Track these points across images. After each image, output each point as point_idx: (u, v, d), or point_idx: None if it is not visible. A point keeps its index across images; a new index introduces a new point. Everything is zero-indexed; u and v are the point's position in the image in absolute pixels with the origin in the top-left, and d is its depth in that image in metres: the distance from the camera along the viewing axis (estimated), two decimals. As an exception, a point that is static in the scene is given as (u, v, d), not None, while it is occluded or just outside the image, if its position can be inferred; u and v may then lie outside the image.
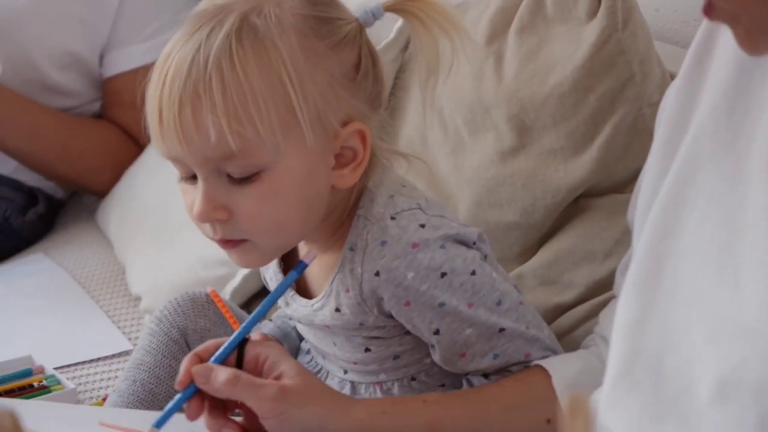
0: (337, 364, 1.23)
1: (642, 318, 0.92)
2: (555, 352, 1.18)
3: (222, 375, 1.07)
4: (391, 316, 1.15)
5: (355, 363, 1.21)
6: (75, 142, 2.04)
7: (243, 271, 1.60)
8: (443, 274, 1.12)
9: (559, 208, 1.37)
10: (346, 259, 1.14)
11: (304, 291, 1.21)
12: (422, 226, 1.13)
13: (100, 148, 2.06)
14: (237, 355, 1.10)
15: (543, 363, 1.16)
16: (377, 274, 1.12)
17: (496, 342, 1.15)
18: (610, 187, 1.38)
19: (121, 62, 2.04)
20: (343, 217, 1.16)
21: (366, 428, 1.10)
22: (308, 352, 1.28)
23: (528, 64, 1.37)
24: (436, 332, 1.14)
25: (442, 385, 1.20)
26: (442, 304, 1.13)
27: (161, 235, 1.77)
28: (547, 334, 1.18)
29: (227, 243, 1.12)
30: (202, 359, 1.10)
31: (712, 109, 0.91)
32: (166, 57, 1.09)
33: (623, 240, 1.30)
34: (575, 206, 1.38)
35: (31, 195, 2.07)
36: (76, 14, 2.01)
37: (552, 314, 1.35)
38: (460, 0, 1.51)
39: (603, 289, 1.33)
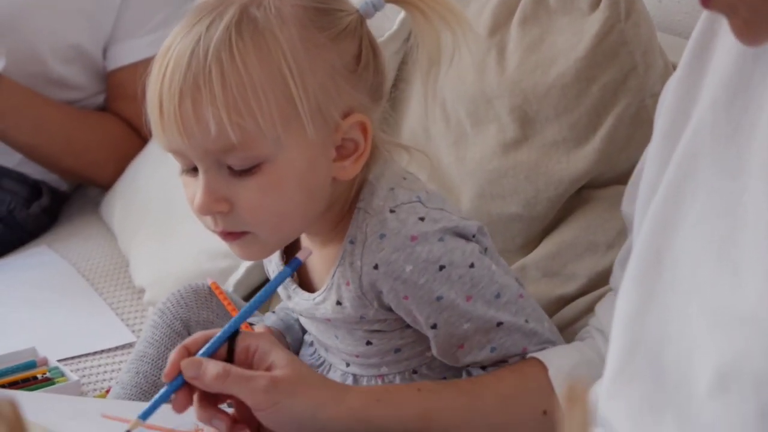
0: (339, 356, 1.23)
1: (642, 310, 0.92)
2: (555, 345, 1.18)
3: (212, 369, 1.06)
4: (391, 310, 1.15)
5: (357, 356, 1.21)
6: (79, 135, 2.04)
7: (246, 264, 1.60)
8: (441, 267, 1.12)
9: (562, 200, 1.37)
10: (346, 252, 1.14)
11: (306, 284, 1.21)
12: (421, 219, 1.13)
13: (104, 140, 2.06)
14: (228, 348, 1.09)
15: (539, 355, 1.16)
16: (376, 267, 1.12)
17: (493, 335, 1.15)
18: (613, 179, 1.37)
19: (124, 55, 2.05)
20: (344, 210, 1.16)
21: (359, 416, 1.10)
22: (311, 344, 1.28)
23: (530, 55, 1.37)
24: (434, 326, 1.14)
25: (444, 378, 1.20)
26: (440, 298, 1.13)
27: (165, 228, 1.77)
28: (547, 327, 1.18)
29: (228, 235, 1.12)
30: (190, 352, 1.09)
31: (712, 101, 0.91)
32: (166, 49, 1.09)
33: (626, 231, 1.30)
34: (578, 198, 1.38)
35: (35, 188, 2.07)
36: (80, 7, 2.01)
37: (555, 306, 1.35)
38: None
39: (605, 280, 1.32)
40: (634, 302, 0.93)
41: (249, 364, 1.09)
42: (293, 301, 1.21)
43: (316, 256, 1.19)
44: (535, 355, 1.16)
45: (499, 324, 1.15)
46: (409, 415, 1.12)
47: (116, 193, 1.98)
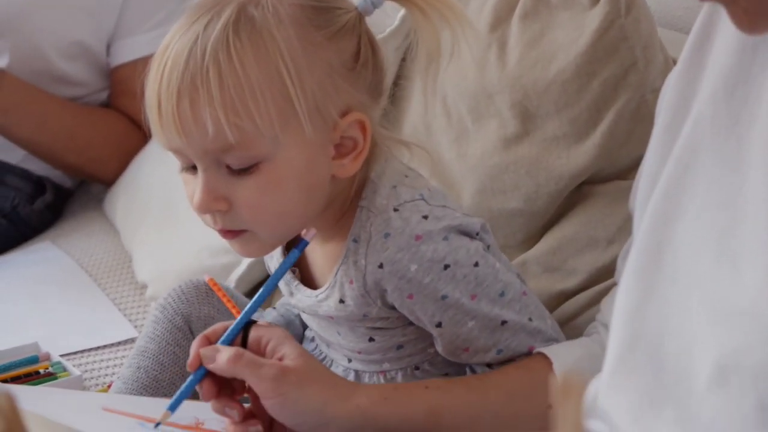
0: (341, 352, 1.23)
1: (642, 303, 0.92)
2: (558, 343, 1.18)
3: (225, 353, 1.08)
4: (394, 308, 1.15)
5: (359, 352, 1.21)
6: (82, 131, 2.05)
7: (248, 260, 1.61)
8: (446, 266, 1.12)
9: (562, 195, 1.37)
10: (349, 250, 1.14)
11: (309, 281, 1.21)
12: (425, 217, 1.13)
13: (107, 137, 2.06)
14: (242, 338, 1.10)
15: (545, 350, 1.16)
16: (381, 266, 1.12)
17: (499, 336, 1.15)
18: (613, 174, 1.38)
19: (127, 51, 2.05)
20: (344, 207, 1.16)
21: (367, 414, 1.10)
22: (312, 339, 1.28)
23: (531, 50, 1.37)
24: (438, 325, 1.14)
25: (446, 374, 1.20)
26: (444, 297, 1.13)
27: (167, 224, 1.77)
28: (550, 325, 1.18)
29: (228, 233, 1.13)
30: (210, 341, 1.11)
31: (712, 94, 0.91)
32: (164, 48, 1.09)
33: (626, 227, 1.30)
34: (578, 193, 1.38)
35: (39, 184, 2.08)
36: (83, 4, 2.01)
37: (555, 301, 1.35)
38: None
39: (606, 275, 1.33)
40: (635, 296, 0.93)
41: (261, 356, 1.10)
42: (295, 297, 1.21)
43: (317, 252, 1.19)
44: (540, 350, 1.16)
45: (504, 323, 1.15)
46: (416, 413, 1.12)
47: (119, 190, 1.99)
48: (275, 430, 1.11)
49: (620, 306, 0.94)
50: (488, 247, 1.17)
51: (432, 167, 1.21)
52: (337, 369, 1.23)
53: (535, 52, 1.37)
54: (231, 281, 1.60)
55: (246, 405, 1.11)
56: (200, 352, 1.10)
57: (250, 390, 1.10)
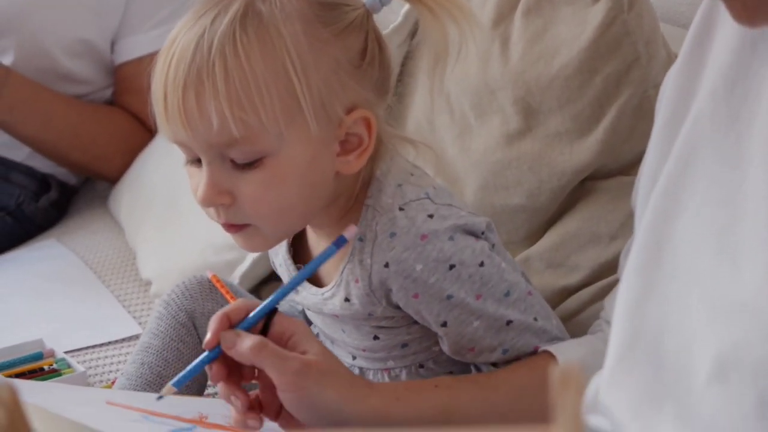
0: (345, 349, 1.23)
1: (642, 300, 0.92)
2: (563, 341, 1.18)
3: (248, 341, 1.06)
4: (399, 308, 1.15)
5: (363, 350, 1.21)
6: (87, 129, 2.05)
7: (252, 256, 1.61)
8: (452, 266, 1.12)
9: (565, 191, 1.38)
10: (355, 249, 1.14)
11: (314, 279, 1.21)
12: (430, 216, 1.13)
13: (112, 134, 2.06)
14: (263, 325, 1.09)
15: (550, 348, 1.16)
16: (387, 265, 1.12)
17: (504, 336, 1.15)
18: (616, 170, 1.38)
19: (132, 49, 2.05)
20: (349, 204, 1.16)
21: (380, 413, 1.10)
22: (317, 335, 1.28)
23: (534, 46, 1.37)
24: (444, 324, 1.15)
25: (450, 372, 1.20)
26: (450, 297, 1.13)
27: (171, 221, 1.78)
28: (555, 324, 1.18)
29: (231, 227, 1.13)
30: (231, 321, 1.08)
31: (711, 91, 0.91)
32: (171, 42, 1.09)
33: (629, 222, 1.30)
34: (581, 189, 1.38)
35: (44, 181, 2.08)
36: (88, 2, 2.02)
37: (558, 297, 1.35)
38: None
39: (609, 271, 1.33)
40: (635, 292, 0.93)
41: (282, 346, 1.08)
42: (301, 295, 1.21)
43: (323, 249, 1.19)
44: (546, 347, 1.16)
45: (509, 322, 1.15)
46: (427, 411, 1.12)
47: (123, 187, 1.99)
48: (283, 419, 1.11)
49: (621, 303, 0.94)
50: (493, 246, 1.17)
51: (437, 165, 1.21)
52: (341, 366, 1.24)
53: (537, 48, 1.37)
54: (235, 278, 1.60)
55: (251, 392, 1.11)
56: (221, 334, 1.07)
57: (260, 377, 1.09)
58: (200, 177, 1.10)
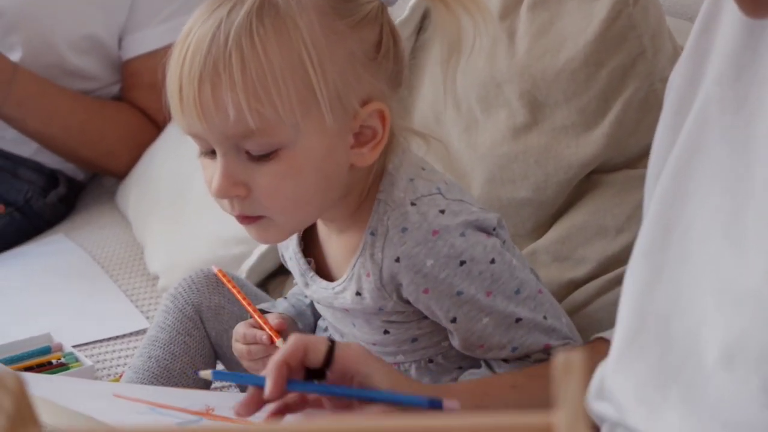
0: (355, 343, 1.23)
1: (650, 284, 0.92)
2: (573, 341, 1.18)
3: (373, 408, 1.04)
4: (409, 302, 1.15)
5: (373, 344, 1.21)
6: (95, 125, 2.05)
7: (259, 250, 1.61)
8: (462, 263, 1.12)
9: (571, 184, 1.38)
10: (367, 243, 1.14)
11: (323, 272, 1.21)
12: (442, 211, 1.13)
13: (119, 130, 2.07)
14: (325, 360, 1.06)
15: (604, 334, 1.15)
16: (397, 260, 1.12)
17: (513, 334, 1.15)
18: (622, 163, 1.38)
19: (139, 45, 2.05)
20: (361, 197, 1.16)
21: None
22: (326, 329, 1.28)
23: (540, 39, 1.37)
24: (453, 320, 1.14)
25: (459, 368, 1.20)
26: (460, 293, 1.13)
27: (178, 216, 1.78)
28: (565, 323, 1.18)
29: (245, 219, 1.13)
30: (290, 367, 1.05)
31: (719, 76, 0.91)
32: (186, 33, 1.09)
33: (635, 215, 1.30)
34: (587, 182, 1.38)
35: (52, 177, 2.08)
36: (95, -2, 2.03)
37: (565, 290, 1.35)
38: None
39: (615, 264, 1.33)
40: (643, 276, 0.92)
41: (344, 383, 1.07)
42: (311, 288, 1.21)
43: (333, 243, 1.20)
44: (601, 335, 1.15)
45: (518, 320, 1.15)
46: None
47: (131, 182, 2.00)
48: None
49: (628, 286, 0.94)
50: (504, 242, 1.17)
51: (444, 159, 1.21)
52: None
53: (543, 42, 1.37)
54: (242, 272, 1.60)
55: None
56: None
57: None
58: (214, 169, 1.10)
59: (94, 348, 1.55)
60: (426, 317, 1.17)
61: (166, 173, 1.89)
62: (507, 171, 1.40)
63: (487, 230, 1.15)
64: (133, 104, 2.09)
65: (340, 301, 1.18)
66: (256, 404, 1.05)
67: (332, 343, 1.07)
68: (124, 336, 1.59)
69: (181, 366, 1.31)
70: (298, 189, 1.10)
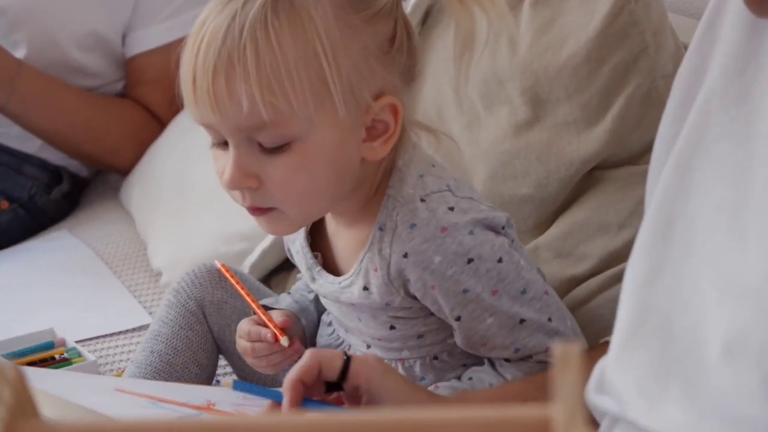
0: (360, 338, 1.23)
1: (652, 277, 0.91)
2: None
3: None
4: (416, 298, 1.15)
5: (379, 339, 1.21)
6: (99, 121, 2.06)
7: (261, 246, 1.61)
8: (470, 260, 1.12)
9: (573, 181, 1.38)
10: (375, 238, 1.14)
11: (330, 266, 1.21)
12: (451, 209, 1.13)
13: (123, 127, 2.07)
14: (341, 372, 1.06)
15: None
16: (405, 255, 1.13)
17: (516, 335, 1.15)
18: (624, 159, 1.38)
19: (143, 41, 2.06)
20: (371, 192, 1.16)
21: None
22: (330, 324, 1.28)
23: (542, 36, 1.37)
24: (458, 318, 1.15)
25: (464, 365, 1.20)
26: (466, 290, 1.13)
27: (181, 212, 1.78)
28: (570, 326, 1.18)
29: (256, 210, 1.13)
30: (305, 384, 1.05)
31: (722, 70, 0.91)
32: (201, 24, 1.09)
33: (637, 211, 1.30)
34: (589, 178, 1.38)
35: (56, 173, 2.09)
36: (99, -5, 2.03)
37: (567, 286, 1.35)
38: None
39: (617, 260, 1.33)
40: (645, 269, 0.92)
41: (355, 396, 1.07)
42: (317, 283, 1.21)
43: (342, 237, 1.20)
44: (609, 339, 1.15)
45: (522, 321, 1.15)
46: None
47: (134, 179, 2.00)
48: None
49: (630, 279, 0.94)
50: (512, 242, 1.17)
51: (448, 155, 1.21)
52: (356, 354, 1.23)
53: (545, 38, 1.37)
54: (244, 268, 1.61)
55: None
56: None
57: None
58: (226, 160, 1.10)
59: (97, 343, 1.56)
60: (432, 314, 1.17)
61: (169, 170, 1.89)
62: (509, 167, 1.39)
63: (495, 229, 1.15)
64: (137, 101, 2.09)
65: (346, 295, 1.18)
66: None
67: (347, 357, 1.07)
68: (126, 331, 1.59)
69: (183, 361, 1.31)
70: (310, 182, 1.10)
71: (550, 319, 1.16)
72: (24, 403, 0.62)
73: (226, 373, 1.41)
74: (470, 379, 1.18)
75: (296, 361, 1.08)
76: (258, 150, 1.09)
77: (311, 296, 1.31)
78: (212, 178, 1.74)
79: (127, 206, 1.98)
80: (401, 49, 1.12)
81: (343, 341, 1.26)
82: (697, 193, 0.91)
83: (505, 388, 1.16)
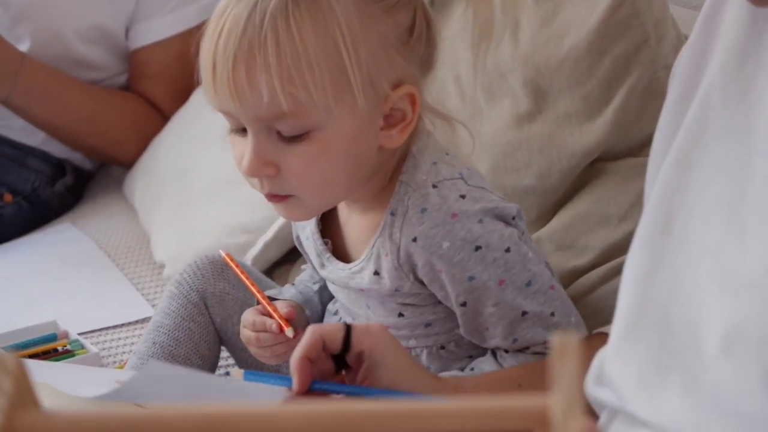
0: (368, 326, 1.23)
1: (651, 270, 0.92)
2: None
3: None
4: (425, 284, 1.16)
5: (387, 327, 1.21)
6: (102, 114, 2.06)
7: (264, 239, 1.62)
8: (477, 248, 1.13)
9: (575, 172, 1.38)
10: (386, 223, 1.15)
11: (340, 253, 1.21)
12: (462, 196, 1.13)
13: (126, 119, 2.07)
14: (342, 345, 1.07)
15: (605, 329, 1.14)
16: (414, 240, 1.13)
17: (515, 327, 1.15)
18: (625, 151, 1.38)
19: (146, 35, 2.06)
20: (385, 179, 1.16)
21: None
22: (336, 313, 1.28)
23: (544, 28, 1.38)
24: (463, 304, 1.15)
25: (470, 356, 1.20)
26: (472, 278, 1.13)
27: (184, 204, 1.78)
28: (574, 322, 1.18)
29: (274, 197, 1.13)
30: (310, 359, 1.06)
31: (722, 66, 0.91)
32: (221, 12, 1.09)
33: (638, 204, 1.29)
34: (591, 170, 1.38)
35: (59, 166, 2.09)
36: (102, -12, 2.03)
37: (568, 278, 1.35)
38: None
39: (618, 252, 1.33)
40: (644, 263, 0.92)
41: (355, 363, 1.08)
42: (326, 269, 1.22)
43: (354, 224, 1.20)
44: (601, 330, 1.15)
45: (525, 313, 1.15)
46: None
47: (138, 171, 2.00)
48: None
49: (629, 272, 0.94)
50: (522, 233, 1.17)
51: (455, 144, 1.21)
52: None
53: (547, 30, 1.37)
54: (247, 260, 1.61)
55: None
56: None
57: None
58: (245, 147, 1.11)
59: (99, 335, 1.56)
60: (441, 302, 1.17)
61: (172, 163, 1.89)
62: (511, 159, 1.40)
63: (505, 219, 1.15)
64: (140, 94, 2.09)
65: (356, 281, 1.18)
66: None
67: (348, 327, 1.07)
68: (129, 324, 1.59)
69: (185, 352, 1.31)
70: (328, 170, 1.11)
71: (552, 314, 1.16)
72: (24, 394, 0.62)
73: (228, 365, 1.41)
74: (472, 369, 1.18)
75: None
76: (276, 138, 1.10)
77: (315, 287, 1.31)
78: (215, 171, 1.75)
79: (130, 199, 1.99)
80: (420, 39, 1.12)
81: (349, 329, 1.26)
82: (697, 187, 0.91)
83: (500, 373, 1.17)
